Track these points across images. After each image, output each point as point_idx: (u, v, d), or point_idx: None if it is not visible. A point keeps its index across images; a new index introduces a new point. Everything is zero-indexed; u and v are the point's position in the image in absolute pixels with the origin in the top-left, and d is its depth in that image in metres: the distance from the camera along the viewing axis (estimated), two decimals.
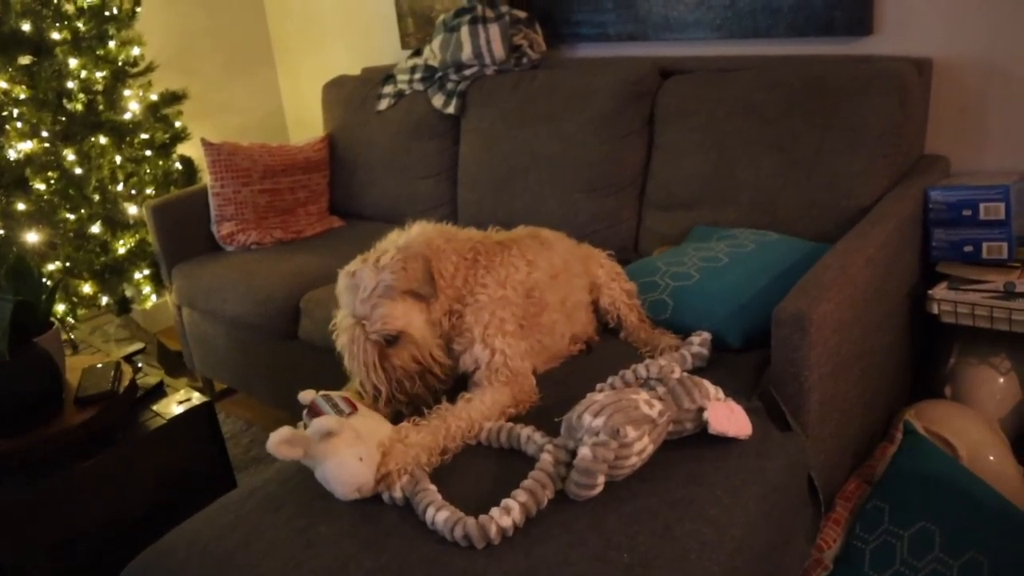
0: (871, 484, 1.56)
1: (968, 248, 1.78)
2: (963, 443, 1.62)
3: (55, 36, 2.53)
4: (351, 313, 1.37)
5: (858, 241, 1.54)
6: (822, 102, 1.87)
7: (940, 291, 1.75)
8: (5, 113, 2.46)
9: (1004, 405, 1.79)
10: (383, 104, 2.75)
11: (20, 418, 1.56)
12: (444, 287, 1.42)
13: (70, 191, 2.56)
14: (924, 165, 1.94)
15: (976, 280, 1.73)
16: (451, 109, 2.55)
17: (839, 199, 1.85)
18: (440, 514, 1.14)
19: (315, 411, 1.30)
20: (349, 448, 1.21)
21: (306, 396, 1.36)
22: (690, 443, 1.28)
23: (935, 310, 1.75)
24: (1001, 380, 1.80)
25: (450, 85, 2.57)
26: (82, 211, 2.59)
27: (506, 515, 1.10)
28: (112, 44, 2.67)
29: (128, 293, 2.84)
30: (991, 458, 1.62)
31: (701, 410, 1.26)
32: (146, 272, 2.78)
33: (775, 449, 1.30)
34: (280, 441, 1.18)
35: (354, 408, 1.30)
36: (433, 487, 1.21)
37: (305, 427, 1.31)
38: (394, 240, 1.46)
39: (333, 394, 1.34)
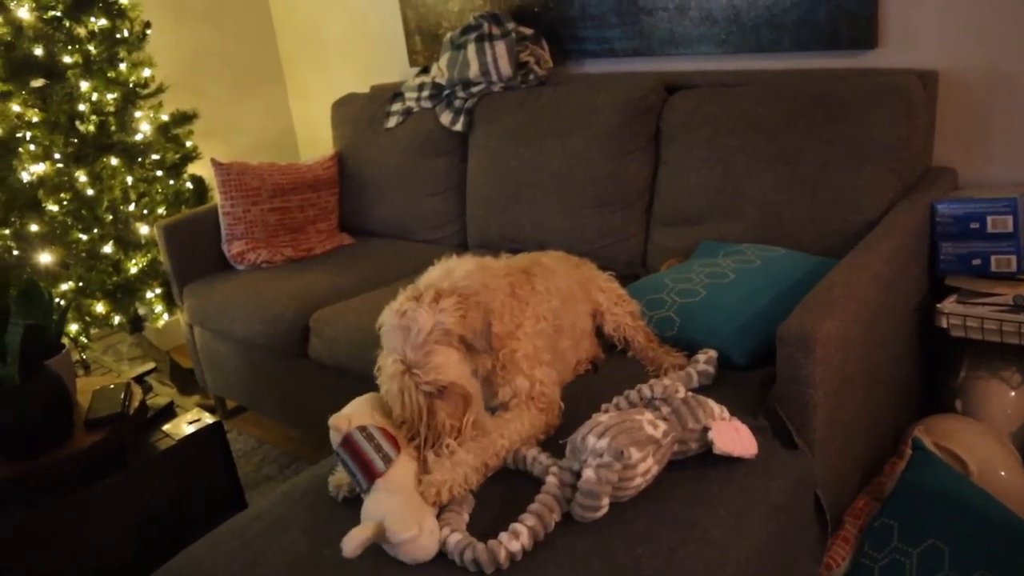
0: (880, 501, 1.55)
1: (976, 261, 1.77)
2: (973, 458, 1.61)
3: (67, 59, 2.56)
4: (401, 359, 1.25)
5: (864, 257, 1.54)
6: (827, 116, 1.87)
7: (949, 305, 1.74)
8: (19, 136, 2.49)
9: (1015, 419, 1.77)
10: (391, 122, 2.77)
11: (31, 441, 1.58)
12: (495, 327, 1.35)
13: (83, 212, 2.59)
14: (931, 178, 1.94)
15: (985, 293, 1.72)
16: (459, 126, 2.56)
17: (845, 213, 1.84)
18: (453, 536, 1.14)
19: (353, 447, 1.23)
20: (424, 528, 1.14)
21: (339, 424, 1.26)
22: (695, 463, 1.28)
23: (944, 324, 1.74)
24: (1012, 394, 1.78)
25: (457, 102, 2.59)
26: (94, 231, 2.62)
27: (515, 539, 1.10)
28: (123, 66, 2.70)
29: (141, 312, 2.86)
30: (1002, 473, 1.61)
31: (706, 430, 1.25)
32: (158, 291, 2.80)
33: (781, 468, 1.29)
34: (357, 547, 1.11)
35: (396, 446, 1.23)
36: (465, 513, 1.21)
37: (338, 456, 1.26)
38: (439, 277, 1.37)
39: (371, 428, 1.25)
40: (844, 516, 1.52)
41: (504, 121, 2.47)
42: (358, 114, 2.91)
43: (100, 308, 2.68)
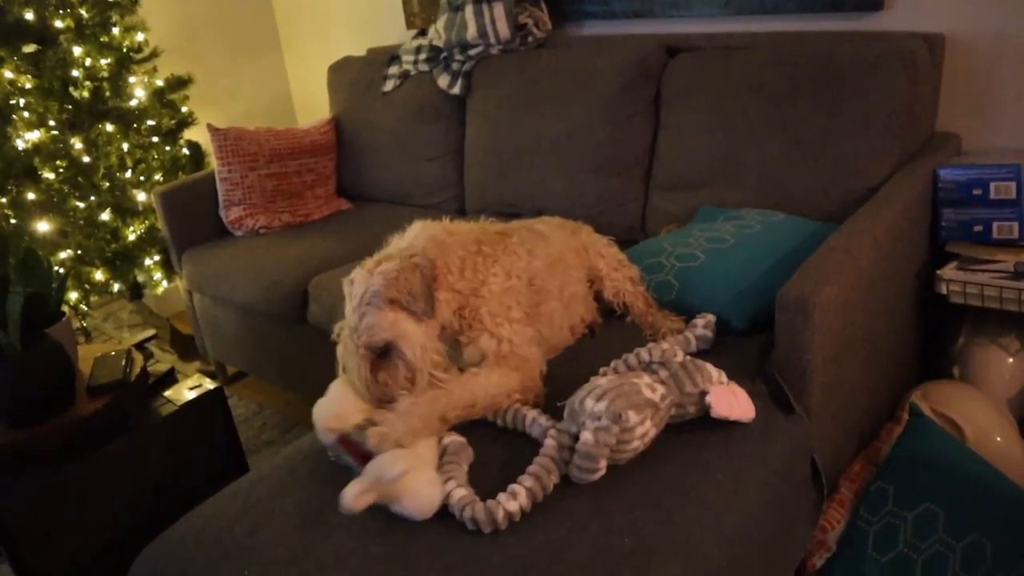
0: (876, 465, 1.56)
1: (978, 228, 1.76)
2: (970, 424, 1.62)
3: (58, 24, 2.53)
4: (348, 324, 1.32)
5: (864, 223, 1.53)
6: (830, 81, 1.85)
7: (949, 271, 1.74)
8: (12, 103, 2.47)
9: (1012, 386, 1.78)
10: (388, 85, 2.74)
11: (34, 409, 1.59)
12: (454, 282, 1.37)
13: (79, 179, 2.57)
14: (935, 144, 1.92)
15: (986, 260, 1.72)
16: (456, 90, 2.54)
17: (847, 179, 1.83)
18: (457, 491, 1.15)
19: (351, 445, 1.24)
20: (418, 478, 1.15)
21: (331, 425, 1.27)
22: (693, 427, 1.28)
23: (943, 290, 1.73)
24: (1010, 361, 1.78)
25: (455, 65, 2.56)
26: (91, 199, 2.60)
27: (513, 500, 1.12)
28: (116, 31, 2.67)
29: (140, 279, 2.86)
30: (998, 439, 1.62)
31: (703, 394, 1.26)
32: (156, 258, 2.80)
33: (778, 433, 1.30)
34: (357, 496, 1.12)
35: None
36: (464, 464, 1.22)
37: (336, 457, 1.29)
38: (396, 244, 1.42)
39: (364, 423, 1.25)
40: (840, 480, 1.53)
41: (502, 85, 2.44)
42: (355, 78, 2.88)
43: (99, 276, 2.68)
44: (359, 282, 1.31)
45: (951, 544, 1.36)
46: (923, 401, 1.65)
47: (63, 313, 1.71)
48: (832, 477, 1.47)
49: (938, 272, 1.74)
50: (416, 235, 1.42)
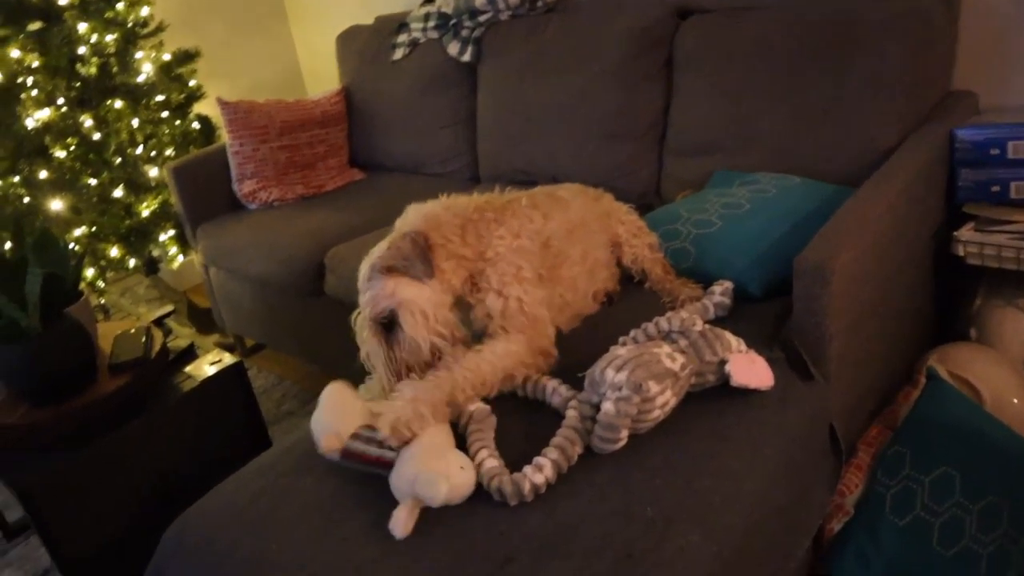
0: (893, 429, 1.57)
1: (995, 188, 1.74)
2: (987, 386, 1.62)
3: (62, 2, 2.51)
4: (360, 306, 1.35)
5: (880, 187, 1.52)
6: (844, 41, 1.82)
7: (966, 232, 1.72)
8: (20, 82, 2.46)
9: None
10: (398, 54, 2.72)
11: (56, 388, 1.61)
12: (456, 248, 1.38)
13: (90, 156, 2.57)
14: (951, 102, 1.89)
15: (1003, 220, 1.70)
16: (467, 56, 2.51)
17: (861, 141, 1.81)
18: (488, 461, 1.16)
19: (356, 455, 1.21)
20: (451, 472, 1.13)
21: (331, 445, 1.23)
22: (712, 395, 1.29)
23: (960, 252, 1.72)
24: None
25: (465, 32, 2.53)
26: (104, 176, 2.61)
27: (539, 472, 1.13)
28: (120, 6, 2.65)
29: (155, 254, 2.88)
30: (1015, 401, 1.62)
31: (723, 362, 1.26)
32: (171, 233, 2.81)
33: (797, 400, 1.30)
34: (406, 523, 1.11)
35: None
36: (490, 431, 1.23)
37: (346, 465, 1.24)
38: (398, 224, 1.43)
39: (360, 431, 1.23)
40: (858, 444, 1.54)
41: (512, 53, 2.42)
42: (364, 47, 2.85)
43: (114, 252, 2.70)
44: (364, 265, 1.36)
45: (968, 507, 1.37)
46: (940, 364, 1.65)
47: (81, 292, 1.73)
48: (849, 442, 1.48)
49: (955, 234, 1.73)
50: (409, 217, 1.44)
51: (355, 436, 1.22)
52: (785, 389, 1.31)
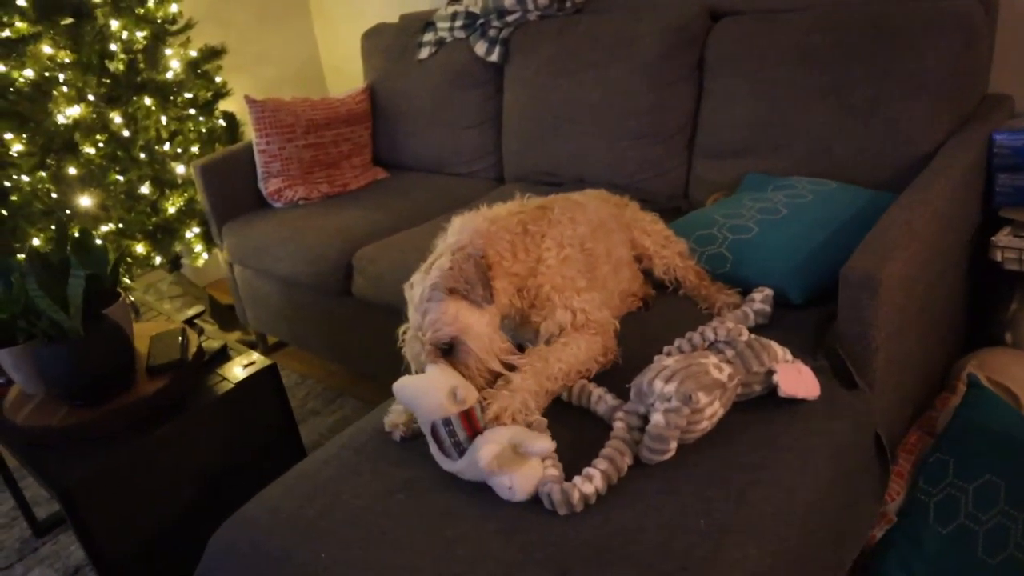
0: (932, 435, 1.57)
1: None
2: None
3: None
4: (412, 325, 1.32)
5: (923, 193, 1.51)
6: (880, 45, 1.81)
7: (1004, 238, 1.72)
8: (50, 76, 2.46)
9: None
10: (424, 53, 2.71)
11: (97, 390, 1.61)
12: (509, 267, 1.37)
13: (119, 153, 2.58)
14: (987, 106, 1.88)
15: None
16: (494, 57, 2.50)
17: (899, 145, 1.80)
18: (551, 470, 1.17)
19: (471, 419, 1.21)
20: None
21: (447, 410, 1.21)
22: (758, 405, 1.29)
23: (998, 257, 1.72)
24: None
25: (492, 32, 2.53)
26: (132, 172, 2.61)
27: (588, 483, 1.13)
28: (151, 2, 2.65)
29: (177, 250, 2.88)
30: None
31: (770, 373, 1.26)
32: (196, 230, 2.81)
33: (843, 409, 1.30)
34: (491, 457, 1.14)
35: (472, 430, 1.21)
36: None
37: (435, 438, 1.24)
38: (443, 243, 1.41)
39: (453, 418, 1.22)
40: (897, 451, 1.54)
41: (541, 52, 2.41)
42: (389, 45, 2.85)
43: (140, 249, 2.70)
44: (418, 282, 1.32)
45: (1013, 515, 1.37)
46: (978, 370, 1.64)
47: (119, 293, 1.73)
48: (890, 449, 1.48)
49: (992, 239, 1.72)
50: (459, 231, 1.42)
51: (446, 422, 1.21)
52: (830, 398, 1.31)
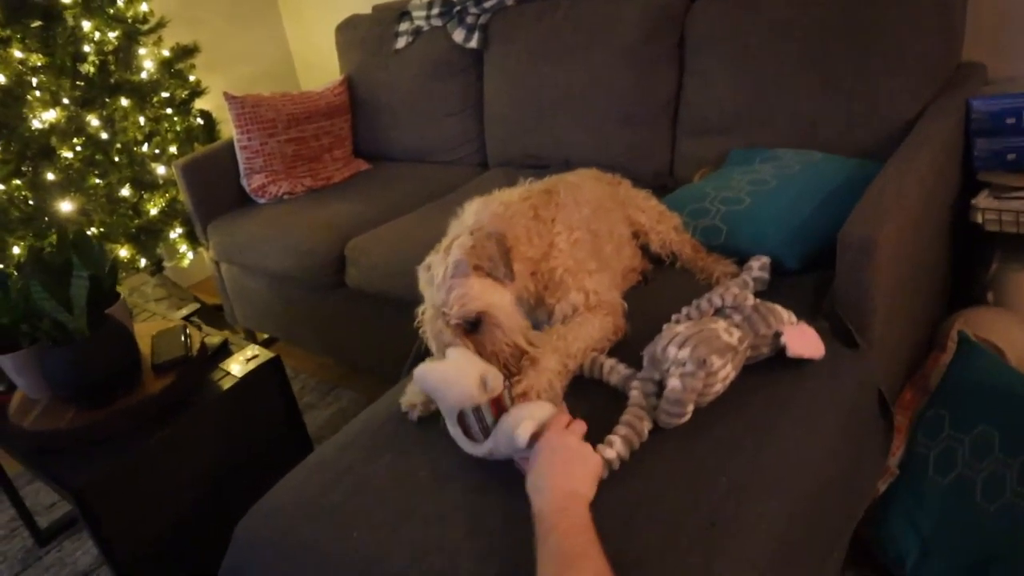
0: (926, 392, 1.63)
1: (1011, 156, 1.79)
2: (1011, 347, 1.69)
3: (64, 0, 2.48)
4: (432, 304, 1.31)
5: (909, 160, 1.56)
6: (858, 19, 1.86)
7: (983, 200, 1.78)
8: (23, 81, 2.42)
9: None
10: (401, 43, 2.72)
11: (104, 390, 1.60)
12: (525, 251, 1.39)
13: (97, 157, 2.54)
14: (962, 74, 1.94)
15: (1018, 187, 1.76)
16: (473, 43, 2.52)
17: (881, 116, 1.86)
18: None
19: (499, 404, 1.20)
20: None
21: (476, 399, 1.20)
22: (764, 367, 1.33)
23: (979, 219, 1.78)
24: None
25: (470, 18, 2.54)
26: (111, 176, 2.58)
27: (610, 448, 1.16)
28: (120, 2, 2.61)
29: (159, 252, 2.86)
30: None
31: (777, 335, 1.30)
32: (180, 231, 2.79)
33: (846, 368, 1.35)
34: (528, 433, 1.13)
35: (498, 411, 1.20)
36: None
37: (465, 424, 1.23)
38: (458, 226, 1.42)
39: (483, 406, 1.20)
40: (894, 408, 1.60)
41: (521, 37, 2.43)
42: (365, 36, 2.85)
43: (124, 252, 2.67)
44: (437, 263, 1.32)
45: (1008, 462, 1.43)
46: (965, 327, 1.71)
47: (118, 294, 1.72)
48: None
49: (973, 202, 1.79)
50: (477, 213, 1.43)
51: (475, 409, 1.20)
52: (833, 358, 1.36)
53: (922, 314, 1.75)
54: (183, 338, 1.76)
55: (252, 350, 1.86)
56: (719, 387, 1.24)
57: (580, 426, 1.16)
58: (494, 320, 1.28)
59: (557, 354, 1.31)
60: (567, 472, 1.07)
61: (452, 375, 1.23)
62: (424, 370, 1.27)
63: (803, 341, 1.31)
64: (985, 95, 1.81)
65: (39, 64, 2.43)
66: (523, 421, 1.14)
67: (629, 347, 1.40)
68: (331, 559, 1.17)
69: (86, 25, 2.49)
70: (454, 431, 1.25)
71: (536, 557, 0.95)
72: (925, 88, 1.83)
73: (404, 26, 2.73)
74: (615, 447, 1.17)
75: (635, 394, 1.26)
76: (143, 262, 2.74)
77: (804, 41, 1.93)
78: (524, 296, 1.41)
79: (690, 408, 1.22)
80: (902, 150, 1.61)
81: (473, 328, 1.29)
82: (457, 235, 1.35)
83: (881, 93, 1.84)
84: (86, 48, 2.51)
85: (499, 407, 1.21)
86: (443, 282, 1.29)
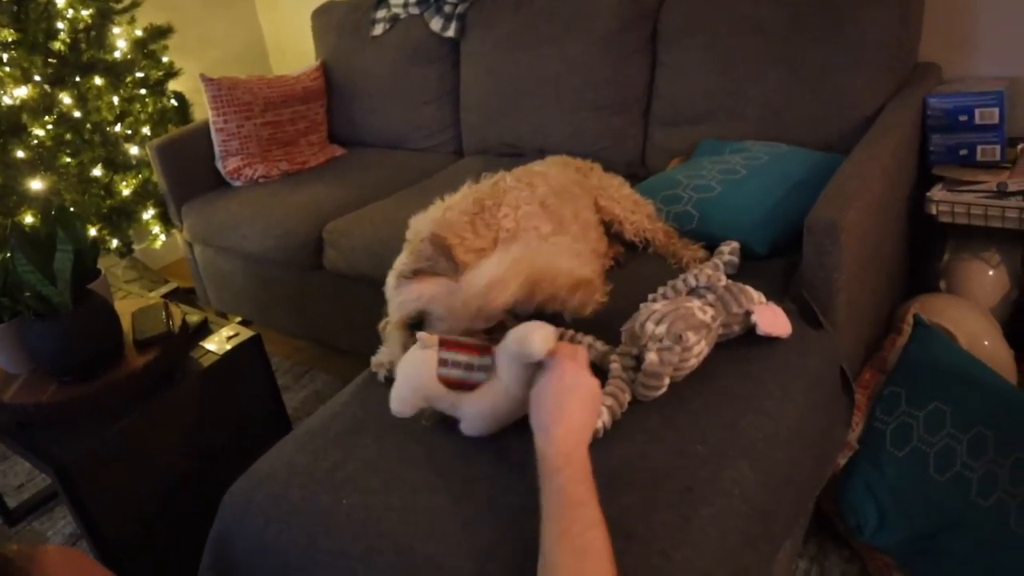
0: (884, 372, 1.72)
1: (964, 152, 1.90)
2: (961, 331, 1.79)
3: None
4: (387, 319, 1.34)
5: (871, 151, 1.65)
6: (825, 16, 1.95)
7: (938, 193, 1.88)
8: None
9: (994, 295, 1.95)
10: (378, 29, 2.74)
11: (88, 365, 1.61)
12: (472, 243, 1.40)
13: (67, 136, 2.52)
14: (919, 73, 2.04)
15: (971, 181, 1.86)
16: (451, 32, 2.55)
17: (844, 110, 1.95)
18: None
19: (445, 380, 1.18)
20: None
21: (427, 396, 1.20)
22: (736, 344, 1.40)
23: (933, 210, 1.88)
24: (991, 272, 1.95)
25: (448, 8, 2.57)
26: (83, 155, 2.56)
27: (596, 418, 1.21)
28: None
29: (130, 233, 2.84)
30: (986, 343, 1.79)
31: (748, 314, 1.38)
32: (152, 212, 2.78)
33: (812, 346, 1.43)
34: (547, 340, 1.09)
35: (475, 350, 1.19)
36: None
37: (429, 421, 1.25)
38: (407, 245, 1.44)
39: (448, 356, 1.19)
40: (854, 387, 1.69)
41: (499, 27, 2.47)
42: (341, 22, 2.86)
43: (95, 232, 2.66)
44: (389, 281, 1.36)
45: (958, 437, 1.53)
46: (921, 312, 1.80)
47: (100, 270, 1.73)
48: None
49: (928, 194, 1.88)
50: (415, 225, 1.46)
51: (442, 363, 1.18)
52: (802, 337, 1.43)
53: (881, 299, 1.84)
54: (164, 315, 1.78)
55: (232, 329, 1.88)
56: (694, 362, 1.31)
57: (583, 353, 1.14)
58: (435, 315, 1.26)
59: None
60: (581, 417, 1.07)
61: (404, 375, 1.23)
62: (393, 398, 1.23)
63: (773, 320, 1.38)
64: (941, 93, 1.91)
65: (10, 40, 2.40)
66: (536, 330, 1.09)
67: (605, 326, 1.45)
68: (321, 524, 1.20)
69: (60, 1, 2.47)
70: (464, 410, 1.22)
71: (540, 494, 1.00)
72: (885, 85, 1.92)
73: (381, 13, 2.75)
74: (601, 417, 1.23)
75: (615, 367, 1.32)
76: (114, 243, 2.72)
77: (773, 35, 2.01)
78: None
79: (666, 381, 1.28)
80: (865, 141, 1.70)
81: (419, 326, 1.28)
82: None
83: (844, 87, 1.93)
84: (59, 25, 2.49)
85: (465, 346, 1.19)
86: (391, 294, 1.32)
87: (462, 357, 1.19)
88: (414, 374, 1.21)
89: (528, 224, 1.49)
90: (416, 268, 1.32)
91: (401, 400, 1.22)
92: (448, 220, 1.43)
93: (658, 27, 2.24)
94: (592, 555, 0.92)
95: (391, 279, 1.35)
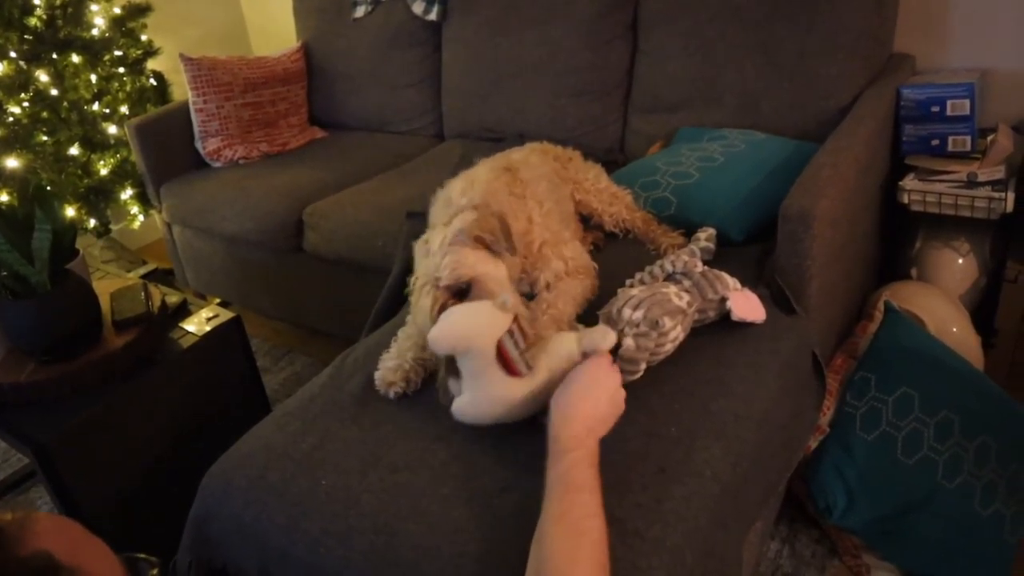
0: (854, 358, 1.76)
1: (935, 142, 1.93)
2: (930, 318, 1.83)
3: None
4: (424, 272, 1.28)
5: (846, 140, 1.68)
6: (803, 5, 1.97)
7: (909, 182, 1.91)
8: None
9: (964, 283, 2.00)
10: (359, 12, 2.73)
11: (66, 345, 1.61)
12: (513, 227, 1.39)
13: (44, 114, 2.50)
14: (893, 64, 2.07)
15: (942, 171, 1.90)
16: (433, 15, 2.55)
17: (819, 99, 1.98)
18: None
19: (503, 351, 1.15)
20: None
21: (484, 346, 1.15)
22: (711, 330, 1.43)
23: (905, 199, 1.91)
24: (961, 261, 2.00)
25: None
26: (59, 133, 2.54)
27: None
28: None
29: (108, 213, 2.82)
30: (954, 330, 1.84)
31: (723, 300, 1.40)
32: (130, 192, 2.76)
33: (785, 331, 1.46)
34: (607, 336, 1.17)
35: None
36: None
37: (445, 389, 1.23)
38: (445, 204, 1.46)
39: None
40: (827, 370, 1.72)
41: (480, 11, 2.47)
42: (323, 4, 2.84)
43: (72, 212, 2.63)
44: (436, 235, 1.31)
45: (926, 421, 1.57)
46: (891, 299, 1.84)
47: (78, 250, 1.72)
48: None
49: (900, 183, 1.92)
50: (465, 191, 1.46)
51: (510, 333, 1.15)
52: (775, 322, 1.46)
53: (854, 286, 1.88)
54: (143, 296, 1.77)
55: (212, 310, 1.88)
56: (669, 347, 1.33)
57: (617, 371, 1.18)
58: (485, 289, 1.25)
59: (555, 323, 1.35)
60: (604, 409, 1.10)
61: (473, 316, 1.17)
62: (441, 328, 1.17)
63: (747, 305, 1.41)
64: (914, 84, 1.94)
65: None
66: (609, 332, 1.18)
67: (593, 309, 1.47)
68: (300, 504, 1.22)
69: None
70: (478, 383, 1.18)
71: (546, 476, 1.02)
72: (860, 75, 1.95)
73: None
74: None
75: None
76: (92, 223, 2.70)
77: (752, 24, 2.03)
78: (513, 271, 1.42)
79: (643, 366, 1.30)
80: (839, 131, 1.73)
81: (462, 296, 1.25)
82: (460, 210, 1.37)
83: (820, 76, 1.96)
84: (35, 0, 2.45)
85: (527, 337, 1.19)
86: (439, 248, 1.28)
87: (523, 343, 1.17)
88: (479, 323, 1.16)
89: (551, 227, 1.53)
90: (479, 236, 1.29)
91: (451, 329, 1.16)
92: (494, 193, 1.45)
93: (638, 13, 2.25)
94: (586, 541, 0.94)
95: (444, 234, 1.30)
